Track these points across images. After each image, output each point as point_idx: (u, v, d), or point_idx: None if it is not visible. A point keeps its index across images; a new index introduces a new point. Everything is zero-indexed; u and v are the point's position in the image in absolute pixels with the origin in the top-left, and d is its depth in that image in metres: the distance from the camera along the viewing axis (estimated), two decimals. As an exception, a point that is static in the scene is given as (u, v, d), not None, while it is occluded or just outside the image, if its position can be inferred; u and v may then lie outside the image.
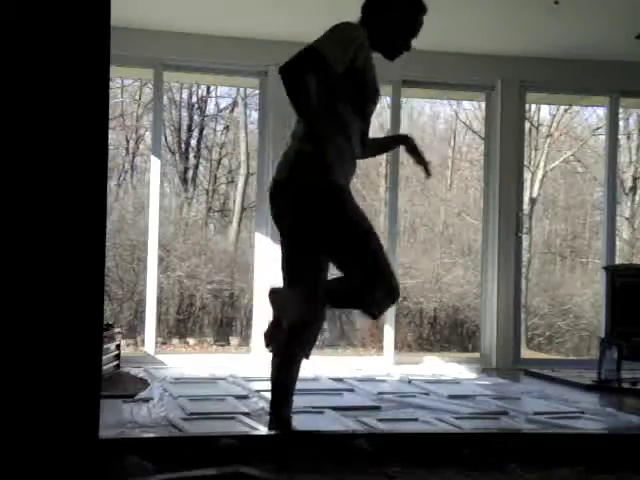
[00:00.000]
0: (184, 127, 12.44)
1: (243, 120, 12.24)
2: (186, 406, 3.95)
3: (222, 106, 12.82)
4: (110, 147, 2.39)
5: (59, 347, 1.81)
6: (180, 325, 11.07)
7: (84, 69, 1.82)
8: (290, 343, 3.06)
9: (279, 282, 6.59)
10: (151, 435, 3.21)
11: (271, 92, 6.16)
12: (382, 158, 11.80)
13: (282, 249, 3.16)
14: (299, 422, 3.61)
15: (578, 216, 13.34)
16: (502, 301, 6.43)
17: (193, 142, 12.58)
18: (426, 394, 4.59)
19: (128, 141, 12.26)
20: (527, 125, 10.50)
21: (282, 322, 3.06)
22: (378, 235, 3.02)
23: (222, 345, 10.58)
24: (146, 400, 4.20)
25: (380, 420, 3.74)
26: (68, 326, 1.82)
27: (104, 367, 4.90)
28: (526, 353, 9.27)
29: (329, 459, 2.43)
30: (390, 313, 6.46)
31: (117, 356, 5.46)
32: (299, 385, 4.97)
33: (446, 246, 12.13)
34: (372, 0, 3.26)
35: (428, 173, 3.34)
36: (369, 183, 12.50)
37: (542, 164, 12.51)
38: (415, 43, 3.28)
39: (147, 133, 11.82)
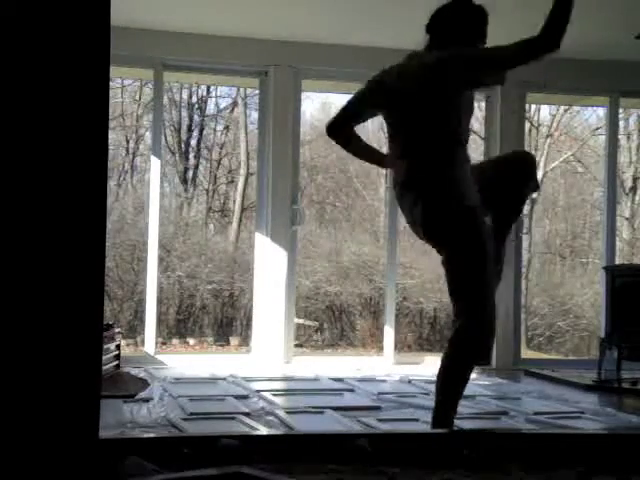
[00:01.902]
0: (184, 127, 12.45)
1: (243, 120, 12.25)
2: (186, 406, 3.95)
3: (222, 106, 12.85)
4: (110, 147, 2.39)
5: (59, 347, 1.81)
6: (180, 325, 11.07)
7: (84, 69, 1.82)
8: None
9: (280, 282, 6.54)
10: (151, 435, 3.21)
11: (271, 92, 6.16)
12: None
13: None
14: (299, 422, 3.62)
15: (578, 216, 13.34)
16: (502, 301, 6.42)
17: (193, 142, 12.59)
18: (426, 394, 4.59)
19: (128, 141, 12.27)
20: (527, 125, 10.49)
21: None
22: None
23: (222, 345, 10.58)
24: (146, 400, 4.19)
25: (380, 420, 3.74)
26: (68, 326, 1.82)
27: (104, 367, 4.90)
28: (526, 353, 9.26)
29: (329, 459, 2.43)
30: (390, 313, 6.47)
31: (117, 356, 5.46)
32: (299, 385, 4.99)
33: (446, 246, 12.10)
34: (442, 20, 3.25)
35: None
36: (369, 183, 12.51)
37: (542, 164, 12.51)
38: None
39: (147, 133, 11.83)
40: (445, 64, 3.10)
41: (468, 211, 3.13)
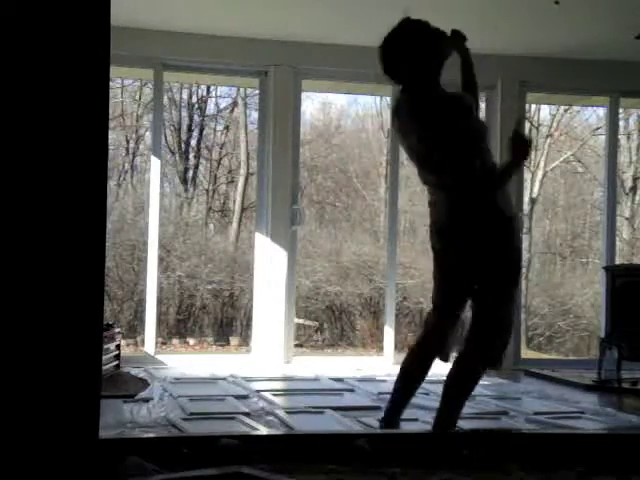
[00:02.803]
0: (184, 127, 12.44)
1: (243, 120, 12.25)
2: (186, 406, 3.95)
3: (222, 106, 12.85)
4: (110, 147, 2.39)
5: (59, 347, 1.81)
6: (180, 325, 11.06)
7: (84, 69, 1.82)
8: None
9: (280, 282, 6.54)
10: (151, 435, 3.21)
11: (271, 92, 6.16)
12: (382, 158, 11.81)
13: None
14: (299, 422, 3.62)
15: (578, 216, 13.34)
16: (502, 301, 6.41)
17: (193, 142, 12.58)
18: (426, 394, 4.59)
19: (128, 141, 12.27)
20: (527, 125, 10.49)
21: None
22: None
23: (222, 345, 10.58)
24: (146, 400, 4.19)
25: (380, 420, 3.73)
26: (68, 326, 1.82)
27: (104, 367, 4.90)
28: (526, 353, 9.26)
29: (329, 459, 2.43)
30: (390, 313, 6.47)
31: (117, 356, 5.46)
32: (299, 385, 4.99)
33: (446, 246, 12.10)
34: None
35: None
36: (369, 183, 12.50)
37: (542, 164, 12.51)
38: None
39: (147, 133, 11.83)
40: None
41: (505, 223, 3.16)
